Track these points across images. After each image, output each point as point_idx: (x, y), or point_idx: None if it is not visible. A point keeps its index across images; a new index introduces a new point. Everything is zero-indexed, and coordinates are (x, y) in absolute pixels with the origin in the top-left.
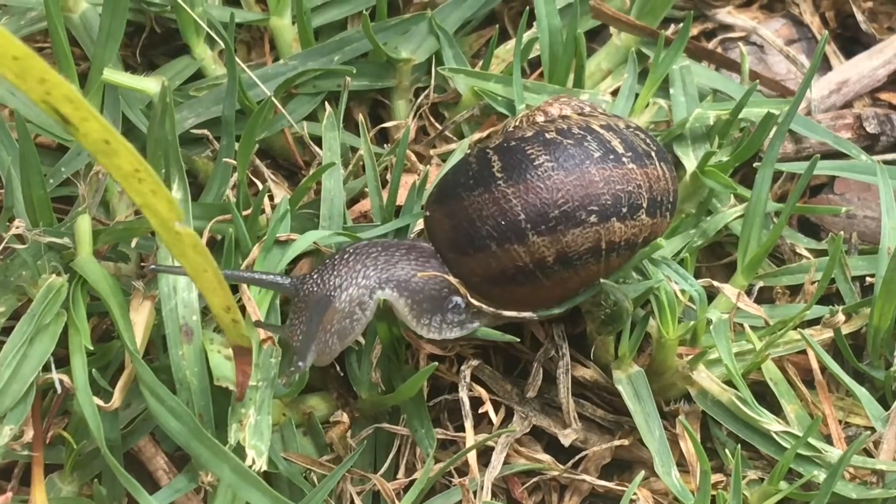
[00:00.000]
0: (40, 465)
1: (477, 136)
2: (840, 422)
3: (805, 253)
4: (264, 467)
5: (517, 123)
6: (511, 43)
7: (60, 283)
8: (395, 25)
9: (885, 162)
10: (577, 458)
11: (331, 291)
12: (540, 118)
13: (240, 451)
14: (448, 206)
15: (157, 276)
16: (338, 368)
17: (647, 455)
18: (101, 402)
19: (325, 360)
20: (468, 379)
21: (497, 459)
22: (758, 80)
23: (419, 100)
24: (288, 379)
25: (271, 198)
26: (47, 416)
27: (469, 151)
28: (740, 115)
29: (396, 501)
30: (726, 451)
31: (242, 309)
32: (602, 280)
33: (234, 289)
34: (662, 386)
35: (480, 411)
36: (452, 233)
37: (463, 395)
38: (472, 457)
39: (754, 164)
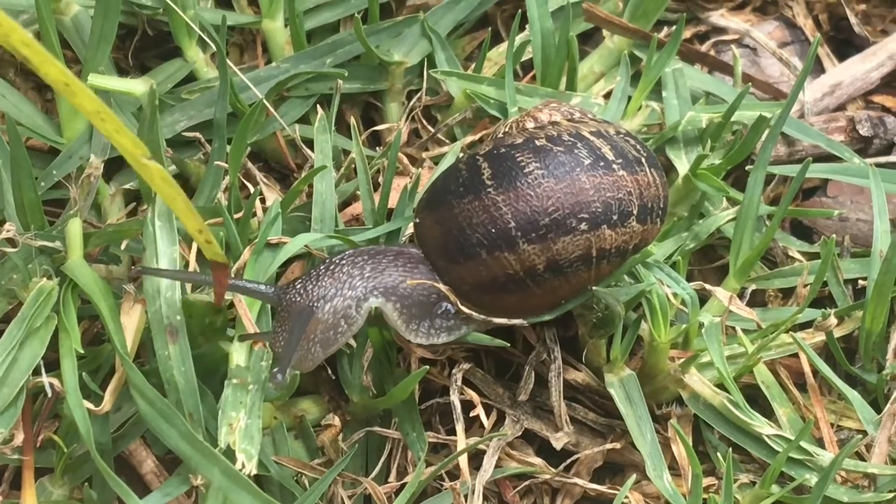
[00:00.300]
0: (30, 468)
1: (469, 138)
2: (832, 425)
3: (797, 256)
4: (254, 471)
5: (507, 129)
6: (503, 46)
7: (51, 287)
8: (388, 28)
9: (878, 165)
10: (568, 461)
11: (314, 302)
12: (530, 124)
13: (230, 454)
14: (438, 212)
15: (144, 278)
16: (329, 372)
17: (638, 458)
18: (91, 406)
19: (309, 366)
20: (459, 382)
21: (489, 463)
22: (750, 83)
23: (411, 102)
24: (272, 386)
25: (263, 201)
26: (38, 419)
27: (459, 158)
28: (733, 118)
29: None
30: (718, 454)
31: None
32: (593, 288)
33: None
34: (654, 389)
35: (472, 415)
36: (442, 240)
37: (454, 398)
38: (463, 460)
39: (747, 167)
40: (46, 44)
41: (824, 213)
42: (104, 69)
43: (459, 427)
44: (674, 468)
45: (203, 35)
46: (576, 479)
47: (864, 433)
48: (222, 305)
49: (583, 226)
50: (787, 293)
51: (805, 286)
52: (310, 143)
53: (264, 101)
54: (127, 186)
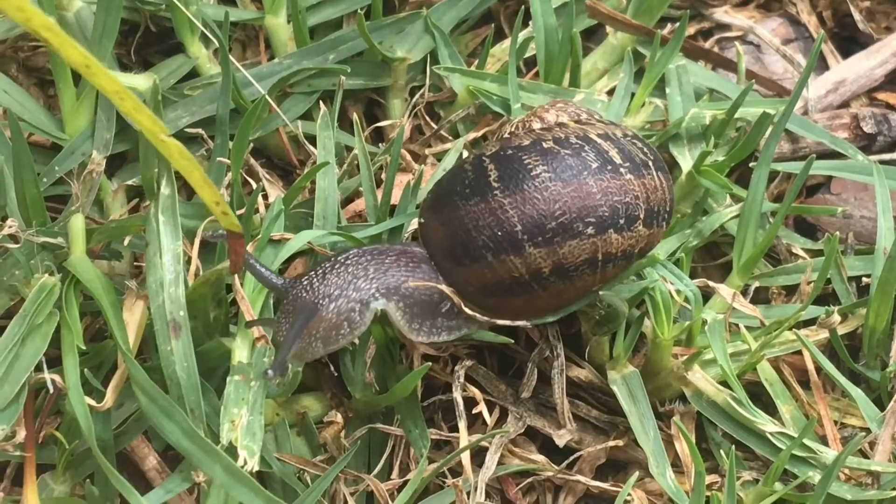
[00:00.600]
0: (32, 465)
1: (472, 135)
2: (835, 423)
3: (801, 253)
4: (256, 468)
5: (513, 129)
6: (507, 42)
7: (53, 283)
8: (391, 24)
9: (882, 162)
10: (571, 458)
11: (319, 300)
12: (536, 125)
13: (232, 451)
14: (443, 214)
15: (147, 272)
16: (332, 368)
17: (641, 456)
18: (93, 402)
19: (307, 358)
20: (462, 379)
21: (491, 460)
22: (754, 80)
23: (414, 99)
24: (270, 379)
25: (265, 197)
26: (39, 416)
27: (465, 158)
28: (736, 115)
29: (390, 502)
30: (721, 451)
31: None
32: (603, 297)
33: (229, 287)
34: (657, 386)
35: (474, 412)
36: (447, 242)
37: (457, 395)
38: (465, 457)
39: (750, 164)
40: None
41: (828, 210)
42: (107, 65)
43: (462, 424)
44: (677, 465)
45: (206, 31)
46: (578, 477)
47: (868, 431)
48: (224, 299)
49: (589, 230)
50: (790, 290)
51: (808, 283)
52: (312, 140)
53: (267, 97)
54: (129, 183)
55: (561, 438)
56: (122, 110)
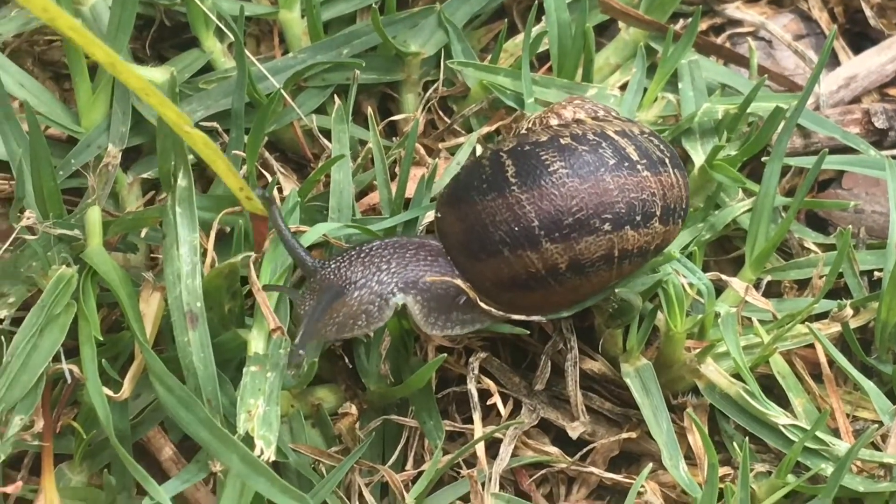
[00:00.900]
0: (50, 454)
1: (485, 129)
2: (848, 415)
3: (813, 247)
4: (273, 457)
5: (530, 125)
6: (520, 37)
7: (70, 274)
8: (404, 19)
9: (894, 157)
10: (584, 450)
11: (346, 284)
12: (554, 121)
13: (249, 441)
14: (460, 209)
15: (164, 264)
16: (346, 360)
17: (654, 448)
18: (110, 393)
19: (317, 338)
20: (476, 371)
21: (505, 451)
22: (766, 75)
23: (428, 93)
24: (298, 359)
25: (280, 190)
26: (57, 406)
27: (482, 154)
28: (749, 110)
29: (405, 493)
30: (734, 444)
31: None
32: (616, 290)
33: (244, 280)
34: (670, 379)
35: (489, 403)
36: (464, 236)
37: (471, 387)
38: (480, 449)
39: (763, 159)
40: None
41: (840, 204)
42: (123, 59)
43: (476, 416)
44: (689, 458)
45: (221, 25)
46: (592, 468)
47: (880, 423)
48: (238, 290)
49: (606, 226)
50: (802, 284)
51: (820, 277)
52: (326, 134)
53: (282, 91)
54: (144, 175)
55: (574, 430)
56: (150, 104)
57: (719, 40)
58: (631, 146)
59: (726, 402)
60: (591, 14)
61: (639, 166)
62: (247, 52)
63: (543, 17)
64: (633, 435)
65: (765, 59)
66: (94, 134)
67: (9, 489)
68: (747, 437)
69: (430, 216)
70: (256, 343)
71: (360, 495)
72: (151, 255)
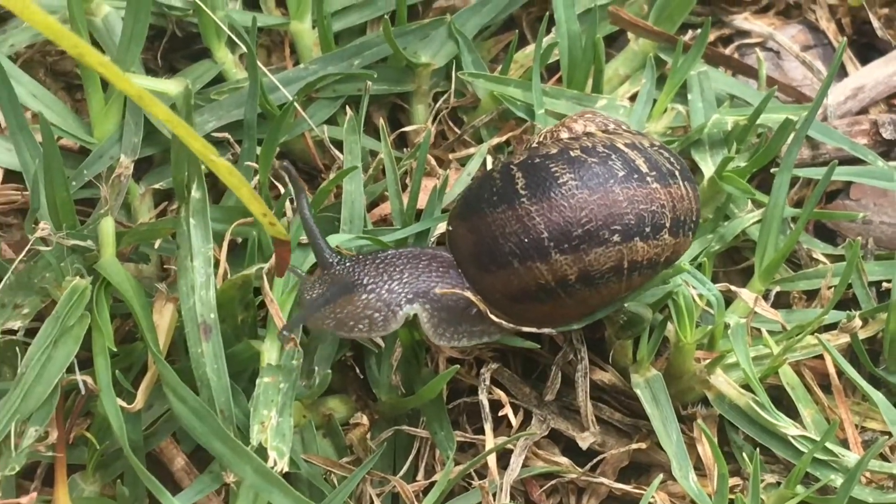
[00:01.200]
0: (63, 465)
1: (496, 140)
2: (857, 426)
3: (822, 258)
4: (286, 468)
5: (541, 139)
6: (530, 48)
7: (84, 286)
8: (415, 30)
9: None
10: (594, 461)
11: (356, 284)
12: (564, 134)
13: (262, 452)
14: (471, 221)
15: (178, 276)
16: (357, 371)
17: (664, 458)
18: (123, 404)
19: (313, 327)
20: (488, 382)
21: (516, 462)
22: (775, 87)
23: (438, 104)
24: (285, 340)
25: (292, 201)
26: (70, 416)
27: (493, 167)
28: (758, 121)
29: (416, 503)
30: (744, 454)
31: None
32: (626, 304)
33: (256, 290)
34: (680, 390)
35: (500, 414)
36: (474, 248)
37: (482, 397)
38: (491, 459)
39: (772, 170)
40: None
41: (849, 215)
42: (135, 70)
43: (488, 426)
44: (699, 468)
45: (233, 36)
46: (602, 479)
47: (889, 434)
48: (251, 302)
49: (615, 238)
50: (811, 295)
51: (829, 288)
52: (338, 144)
53: (294, 102)
54: (156, 186)
55: (584, 441)
56: (177, 134)
57: (727, 51)
58: (641, 158)
59: (736, 413)
60: (601, 25)
61: (648, 178)
62: (258, 63)
63: (553, 29)
64: (643, 445)
65: (773, 70)
66: (107, 144)
67: (23, 500)
68: (757, 448)
69: (441, 227)
70: (269, 354)
71: None
72: (163, 265)
